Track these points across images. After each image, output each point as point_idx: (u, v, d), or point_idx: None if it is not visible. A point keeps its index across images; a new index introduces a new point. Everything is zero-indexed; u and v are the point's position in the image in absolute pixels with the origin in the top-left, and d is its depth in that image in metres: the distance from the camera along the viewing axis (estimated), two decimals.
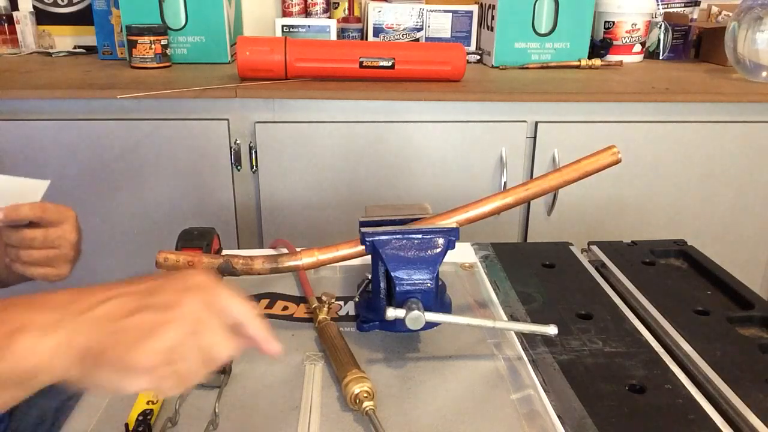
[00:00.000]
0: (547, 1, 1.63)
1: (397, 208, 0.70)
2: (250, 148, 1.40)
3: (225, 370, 0.61)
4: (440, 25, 1.78)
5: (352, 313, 0.73)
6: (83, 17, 1.81)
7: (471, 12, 1.78)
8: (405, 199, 1.44)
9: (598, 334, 0.69)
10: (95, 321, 0.41)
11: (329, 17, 1.83)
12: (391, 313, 0.60)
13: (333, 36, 1.71)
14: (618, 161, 0.70)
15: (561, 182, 0.69)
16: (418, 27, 1.77)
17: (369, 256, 0.66)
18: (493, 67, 1.68)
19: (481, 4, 1.76)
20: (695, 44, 1.93)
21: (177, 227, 0.76)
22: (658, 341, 0.68)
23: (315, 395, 0.59)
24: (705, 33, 1.90)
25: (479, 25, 1.79)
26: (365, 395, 0.56)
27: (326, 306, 0.70)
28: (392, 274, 0.63)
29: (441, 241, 0.64)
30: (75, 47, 1.85)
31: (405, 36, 1.77)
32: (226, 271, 0.65)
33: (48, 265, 0.73)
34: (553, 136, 1.44)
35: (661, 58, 1.88)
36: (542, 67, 1.68)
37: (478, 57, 1.77)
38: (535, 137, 1.44)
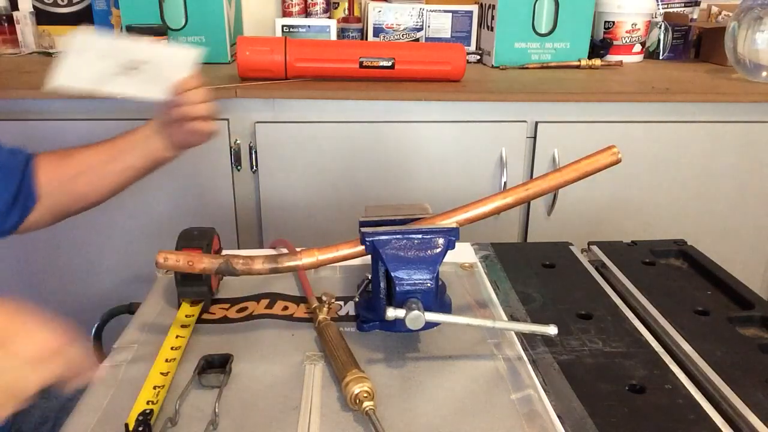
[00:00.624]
0: (547, 1, 1.63)
1: (397, 208, 0.70)
2: (250, 148, 1.40)
3: (225, 371, 0.61)
4: (440, 25, 1.78)
5: (352, 313, 0.73)
6: (83, 17, 1.81)
7: (471, 12, 1.78)
8: (405, 199, 1.43)
9: (598, 334, 0.69)
10: None
11: (329, 17, 1.83)
12: (391, 313, 0.60)
13: (333, 36, 1.71)
14: (618, 161, 0.70)
15: (561, 182, 0.69)
16: (418, 27, 1.77)
17: (369, 256, 0.66)
18: (493, 67, 1.68)
19: (481, 4, 1.76)
20: (695, 44, 1.93)
21: (177, 227, 0.76)
22: (658, 341, 0.68)
23: (315, 395, 0.59)
24: (705, 33, 1.90)
25: (479, 25, 1.79)
26: (365, 395, 0.56)
27: (326, 306, 0.70)
28: (392, 274, 0.63)
29: (441, 241, 0.64)
30: None
31: (405, 36, 1.77)
32: (226, 271, 0.65)
33: (209, 120, 0.88)
34: (553, 136, 1.44)
35: (661, 58, 1.88)
36: (542, 67, 1.68)
37: (478, 57, 1.77)
38: (535, 137, 1.44)
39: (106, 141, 0.92)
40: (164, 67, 0.87)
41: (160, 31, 1.54)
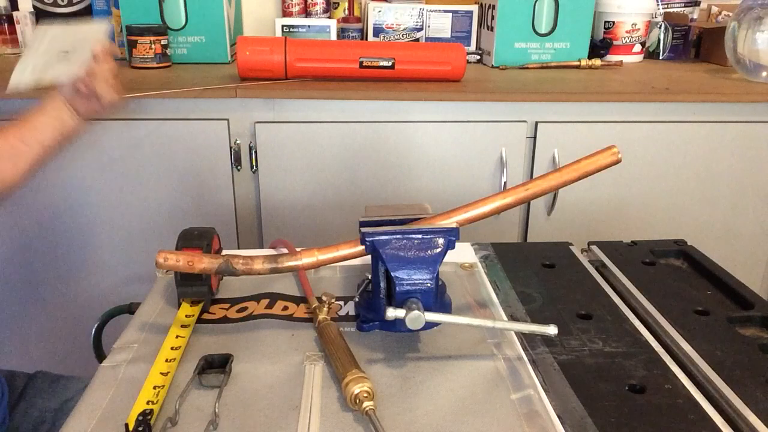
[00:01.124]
0: (547, 1, 1.63)
1: (397, 208, 0.70)
2: (250, 148, 1.40)
3: (225, 371, 0.61)
4: (440, 25, 1.78)
5: (352, 313, 0.73)
6: (83, 17, 1.81)
7: (471, 12, 1.78)
8: (405, 199, 1.44)
9: (598, 334, 0.69)
10: None
11: (329, 17, 1.83)
12: (391, 313, 0.60)
13: (333, 36, 1.71)
14: (618, 161, 0.70)
15: (561, 182, 0.69)
16: (418, 27, 1.77)
17: (369, 256, 0.66)
18: (493, 67, 1.68)
19: (481, 4, 1.76)
20: (695, 44, 1.93)
21: (177, 227, 0.76)
22: (658, 341, 0.68)
23: (315, 395, 0.59)
24: (705, 33, 1.90)
25: (479, 25, 1.79)
26: (365, 395, 0.56)
27: (326, 306, 0.70)
28: (392, 274, 0.63)
29: (441, 241, 0.64)
30: None
31: (405, 36, 1.77)
32: (226, 271, 0.65)
33: (118, 90, 0.95)
34: (553, 136, 1.44)
35: (661, 58, 1.88)
36: (542, 67, 1.68)
37: (478, 57, 1.77)
38: (535, 137, 1.44)
39: (18, 122, 0.93)
40: (84, 46, 0.95)
41: (160, 30, 1.54)
